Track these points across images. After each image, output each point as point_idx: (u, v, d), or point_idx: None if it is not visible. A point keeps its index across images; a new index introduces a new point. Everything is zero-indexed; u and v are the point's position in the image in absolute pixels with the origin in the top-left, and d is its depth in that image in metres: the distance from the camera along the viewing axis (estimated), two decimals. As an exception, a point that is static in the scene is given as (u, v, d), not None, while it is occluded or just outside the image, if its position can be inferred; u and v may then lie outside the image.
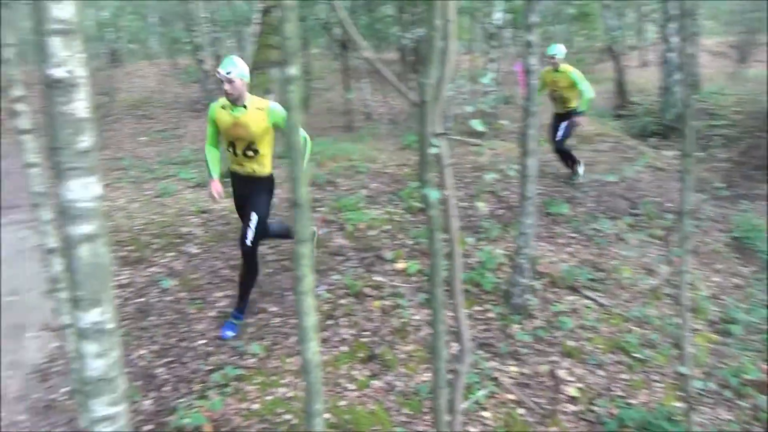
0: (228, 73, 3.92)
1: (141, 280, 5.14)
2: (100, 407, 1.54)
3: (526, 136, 4.22)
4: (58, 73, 1.33)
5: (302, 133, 3.75)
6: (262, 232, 4.20)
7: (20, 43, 2.62)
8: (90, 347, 1.48)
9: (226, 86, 3.94)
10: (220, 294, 4.82)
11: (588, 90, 6.90)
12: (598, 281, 4.97)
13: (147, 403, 3.68)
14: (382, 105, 13.92)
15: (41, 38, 1.31)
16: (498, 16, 11.14)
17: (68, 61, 1.33)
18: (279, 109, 4.00)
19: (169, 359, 4.12)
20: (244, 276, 4.30)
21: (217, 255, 5.50)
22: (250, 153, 4.13)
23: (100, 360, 1.50)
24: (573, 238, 5.83)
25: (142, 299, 4.84)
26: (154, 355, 4.17)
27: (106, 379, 1.52)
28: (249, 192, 4.22)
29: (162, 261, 5.45)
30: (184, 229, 6.03)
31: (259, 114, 4.03)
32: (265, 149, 4.15)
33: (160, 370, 4.01)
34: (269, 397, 3.61)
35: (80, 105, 1.37)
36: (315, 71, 15.61)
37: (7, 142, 11.51)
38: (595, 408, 3.59)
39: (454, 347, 2.34)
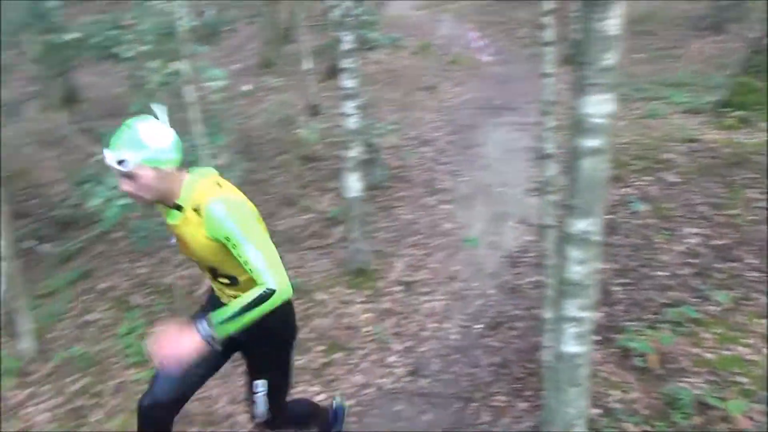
0: (120, 163, 2.03)
1: (613, 197, 5.22)
2: (571, 308, 1.67)
3: None
4: (601, -11, 1.38)
5: (269, 279, 2.02)
6: (279, 398, 2.56)
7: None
8: (574, 253, 1.61)
9: (123, 184, 2.11)
10: (693, 230, 4.53)
11: None
12: None
13: (598, 316, 3.84)
14: None
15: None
16: None
17: (612, -23, 1.37)
18: (218, 214, 2.08)
19: (627, 281, 4.16)
20: None
21: (696, 189, 5.13)
22: (224, 280, 2.35)
23: (580, 266, 1.62)
24: None
25: (611, 216, 4.93)
26: (613, 273, 4.27)
27: (581, 285, 1.64)
28: (241, 339, 2.29)
29: (637, 183, 5.39)
30: (666, 155, 5.77)
31: (195, 221, 2.16)
32: (243, 273, 2.22)
33: (616, 288, 4.10)
34: (726, 352, 3.33)
35: (613, 23, 1.40)
36: None
37: (530, 53, 12.76)
38: None
39: None
